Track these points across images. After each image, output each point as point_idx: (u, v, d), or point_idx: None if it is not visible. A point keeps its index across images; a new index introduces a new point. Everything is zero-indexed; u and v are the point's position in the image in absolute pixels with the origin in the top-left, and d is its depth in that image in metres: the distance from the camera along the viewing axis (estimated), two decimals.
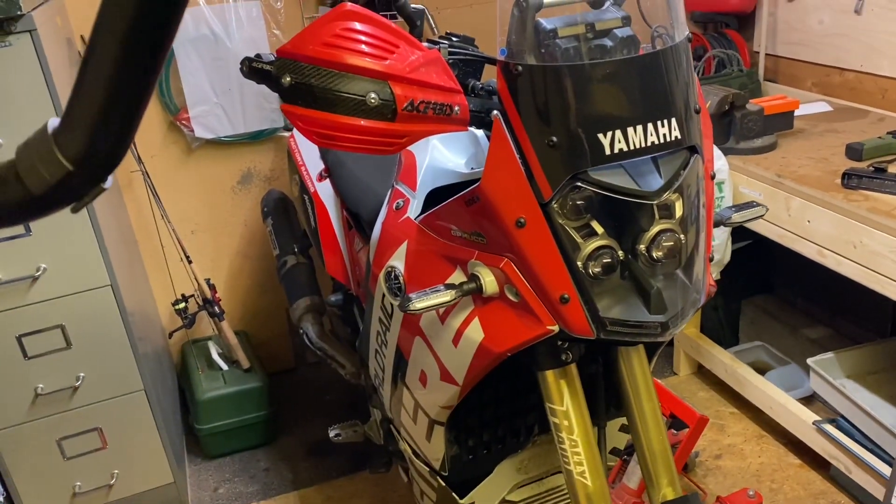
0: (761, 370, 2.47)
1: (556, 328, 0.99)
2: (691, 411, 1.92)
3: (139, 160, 2.37)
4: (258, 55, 0.91)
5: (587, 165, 0.92)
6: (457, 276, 1.08)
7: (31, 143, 0.53)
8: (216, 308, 2.46)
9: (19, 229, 1.83)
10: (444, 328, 1.10)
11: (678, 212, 1.00)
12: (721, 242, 2.16)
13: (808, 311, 2.75)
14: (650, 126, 0.93)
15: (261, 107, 2.53)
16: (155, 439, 2.11)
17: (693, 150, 1.00)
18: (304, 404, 2.68)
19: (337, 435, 1.85)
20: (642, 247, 0.99)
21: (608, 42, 0.96)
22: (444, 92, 0.95)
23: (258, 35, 2.50)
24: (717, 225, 1.16)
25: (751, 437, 2.33)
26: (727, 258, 2.22)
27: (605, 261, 0.97)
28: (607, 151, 0.92)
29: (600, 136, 0.92)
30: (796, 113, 2.22)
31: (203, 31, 2.43)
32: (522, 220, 0.95)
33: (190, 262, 2.44)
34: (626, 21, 0.98)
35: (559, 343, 1.05)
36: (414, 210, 1.21)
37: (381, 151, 0.92)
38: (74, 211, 0.55)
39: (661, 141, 0.94)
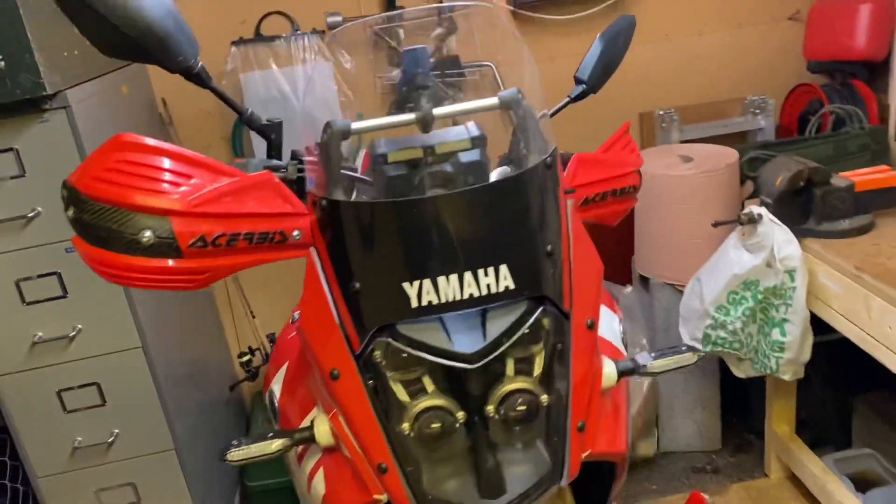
0: (870, 483, 2.10)
1: (383, 497, 0.85)
2: None
3: None
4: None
5: (392, 319, 0.78)
6: (313, 416, 0.96)
7: None
8: None
9: (57, 290, 1.92)
10: (300, 470, 0.99)
11: (537, 369, 0.83)
12: (795, 338, 1.84)
13: None
14: (468, 275, 0.77)
15: None
16: (186, 499, 2.13)
17: (544, 299, 0.82)
18: None
19: None
20: (490, 408, 0.82)
21: (448, 168, 0.82)
22: (271, 219, 0.85)
23: (330, 96, 2.49)
24: (631, 373, 0.96)
25: None
26: (806, 355, 1.90)
27: (433, 425, 0.81)
28: (414, 304, 0.78)
29: (406, 286, 0.77)
30: None
31: (273, 92, 2.46)
32: (336, 373, 0.83)
33: (253, 316, 2.47)
34: (478, 142, 0.82)
35: None
36: None
37: (182, 288, 0.84)
38: None
39: (486, 293, 0.78)
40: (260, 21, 2.42)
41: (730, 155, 2.22)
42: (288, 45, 2.45)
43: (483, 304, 0.79)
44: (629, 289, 2.48)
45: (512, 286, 0.79)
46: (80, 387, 2.00)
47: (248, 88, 2.46)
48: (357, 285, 0.79)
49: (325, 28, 2.41)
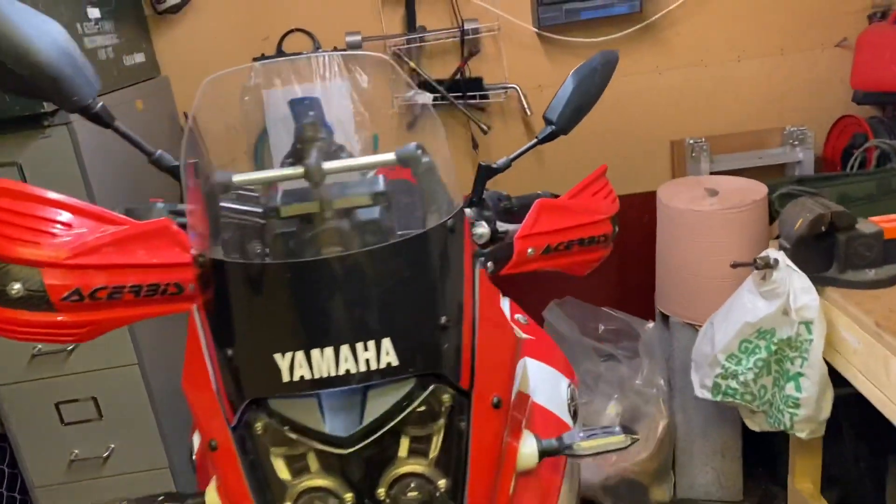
0: None
1: None
2: None
3: None
4: None
5: (263, 393, 0.72)
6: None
7: None
8: None
9: None
10: None
11: (434, 450, 0.75)
12: (811, 395, 1.71)
13: None
14: (345, 349, 0.70)
15: None
16: None
17: (439, 376, 0.75)
18: None
19: None
20: (381, 491, 0.75)
21: (345, 225, 0.75)
22: (163, 269, 0.80)
23: (344, 115, 2.46)
24: (556, 453, 0.87)
25: None
26: (825, 413, 1.75)
27: None
28: (285, 378, 0.71)
29: (277, 357, 0.71)
30: None
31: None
32: (214, 443, 0.77)
33: None
34: (379, 198, 0.76)
35: None
36: None
37: (63, 342, 0.80)
38: None
39: (365, 369, 0.71)
40: (282, 38, 2.40)
41: (758, 190, 2.09)
42: (309, 62, 2.42)
43: (362, 382, 0.72)
44: (651, 325, 2.36)
45: (395, 363, 0.72)
46: (78, 400, 2.01)
47: (271, 104, 2.44)
48: (230, 352, 0.73)
49: (345, 47, 2.37)
